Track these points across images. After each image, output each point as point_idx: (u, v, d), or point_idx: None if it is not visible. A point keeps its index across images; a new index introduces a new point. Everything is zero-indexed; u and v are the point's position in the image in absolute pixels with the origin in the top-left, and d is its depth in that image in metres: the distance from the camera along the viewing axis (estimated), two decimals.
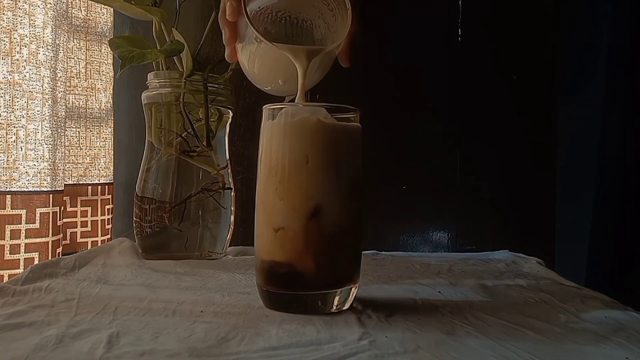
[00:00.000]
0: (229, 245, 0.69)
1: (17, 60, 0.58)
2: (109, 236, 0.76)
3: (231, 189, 0.67)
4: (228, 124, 0.69)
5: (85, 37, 0.72)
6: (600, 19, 0.73)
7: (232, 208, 0.67)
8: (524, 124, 0.82)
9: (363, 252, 0.45)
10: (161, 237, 0.64)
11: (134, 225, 0.65)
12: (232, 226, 0.68)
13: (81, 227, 0.72)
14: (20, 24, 0.58)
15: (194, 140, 0.64)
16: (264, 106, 0.43)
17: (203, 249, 0.65)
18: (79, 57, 0.72)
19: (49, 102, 0.60)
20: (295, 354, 0.32)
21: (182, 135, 0.64)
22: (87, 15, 0.72)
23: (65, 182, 0.69)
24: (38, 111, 0.59)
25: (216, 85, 0.65)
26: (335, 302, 0.41)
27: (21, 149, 0.58)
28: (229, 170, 0.68)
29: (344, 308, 0.42)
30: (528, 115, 0.82)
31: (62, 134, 0.64)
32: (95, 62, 0.73)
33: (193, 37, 0.70)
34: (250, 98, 0.80)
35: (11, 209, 0.57)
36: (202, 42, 0.67)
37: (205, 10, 0.79)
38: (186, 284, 0.51)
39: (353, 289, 0.43)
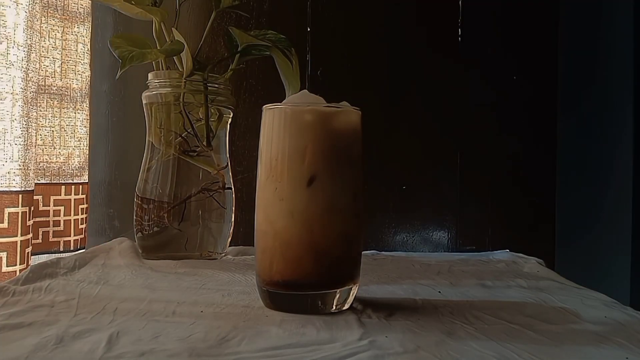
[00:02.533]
0: (229, 245, 0.69)
1: None
2: (82, 236, 0.75)
3: (231, 188, 0.67)
4: (228, 124, 0.69)
5: (62, 37, 0.72)
6: (602, 16, 0.73)
7: (232, 208, 0.67)
8: (524, 124, 0.82)
9: (363, 252, 0.45)
10: (161, 237, 0.64)
11: (134, 225, 0.65)
12: (232, 226, 0.68)
13: (54, 226, 0.72)
14: None
15: (194, 140, 0.64)
16: (264, 106, 0.44)
17: (203, 249, 0.65)
18: (55, 57, 0.71)
19: (20, 102, 0.60)
20: (295, 354, 0.32)
21: (182, 135, 0.64)
22: (63, 15, 0.71)
23: (38, 182, 0.69)
24: (7, 111, 0.59)
25: (216, 85, 0.65)
26: (335, 302, 0.41)
27: None
28: (229, 170, 0.68)
29: (344, 308, 0.42)
30: (528, 116, 0.82)
31: (32, 134, 0.64)
32: (71, 61, 0.73)
33: (193, 37, 0.70)
34: (250, 98, 0.81)
35: None
36: (202, 42, 0.67)
37: (205, 10, 0.79)
38: (186, 284, 0.51)
39: (353, 289, 0.43)
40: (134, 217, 0.65)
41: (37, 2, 0.63)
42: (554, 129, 0.82)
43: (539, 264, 0.63)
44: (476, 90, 0.82)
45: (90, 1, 0.74)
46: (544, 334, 0.36)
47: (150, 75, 0.65)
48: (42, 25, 0.68)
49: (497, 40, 0.82)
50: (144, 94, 0.65)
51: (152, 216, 0.64)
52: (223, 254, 0.67)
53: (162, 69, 0.66)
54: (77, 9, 0.73)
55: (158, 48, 0.63)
